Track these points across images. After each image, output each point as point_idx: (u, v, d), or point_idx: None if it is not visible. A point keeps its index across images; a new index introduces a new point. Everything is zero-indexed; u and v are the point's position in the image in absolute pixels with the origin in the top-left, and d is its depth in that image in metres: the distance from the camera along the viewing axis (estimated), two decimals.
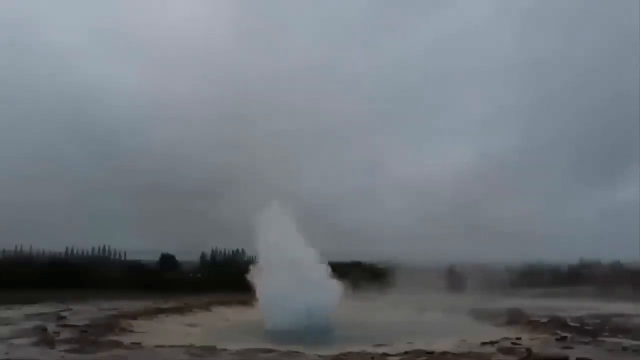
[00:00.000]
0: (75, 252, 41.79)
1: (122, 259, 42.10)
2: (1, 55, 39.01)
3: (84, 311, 18.60)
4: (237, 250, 39.34)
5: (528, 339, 12.83)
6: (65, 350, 10.85)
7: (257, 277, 18.11)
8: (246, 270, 18.85)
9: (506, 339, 12.66)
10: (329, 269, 17.90)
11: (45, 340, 12.02)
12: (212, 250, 40.57)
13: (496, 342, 12.09)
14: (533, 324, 16.21)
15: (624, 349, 11.42)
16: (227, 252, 40.65)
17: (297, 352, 10.91)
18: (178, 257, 38.71)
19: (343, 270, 20.14)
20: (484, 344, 11.91)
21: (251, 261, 21.16)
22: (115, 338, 12.87)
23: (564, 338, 12.89)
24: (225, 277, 28.72)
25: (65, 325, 14.77)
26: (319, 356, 10.61)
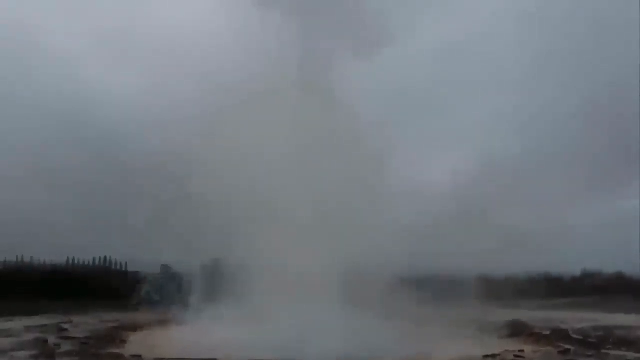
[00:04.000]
0: (76, 262, 41.72)
1: (123, 269, 41.97)
2: (2, 58, 39.12)
3: (84, 323, 18.57)
4: None
5: (531, 352, 12.77)
6: None
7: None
8: None
9: (508, 351, 12.59)
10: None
11: (46, 352, 11.98)
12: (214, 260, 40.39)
13: (498, 354, 12.04)
14: (536, 336, 16.13)
15: None
16: None
17: None
18: (179, 268, 38.51)
19: None
20: (486, 357, 11.85)
21: None
22: (116, 350, 12.83)
23: (567, 351, 12.84)
24: None
25: (66, 338, 14.72)
26: None
